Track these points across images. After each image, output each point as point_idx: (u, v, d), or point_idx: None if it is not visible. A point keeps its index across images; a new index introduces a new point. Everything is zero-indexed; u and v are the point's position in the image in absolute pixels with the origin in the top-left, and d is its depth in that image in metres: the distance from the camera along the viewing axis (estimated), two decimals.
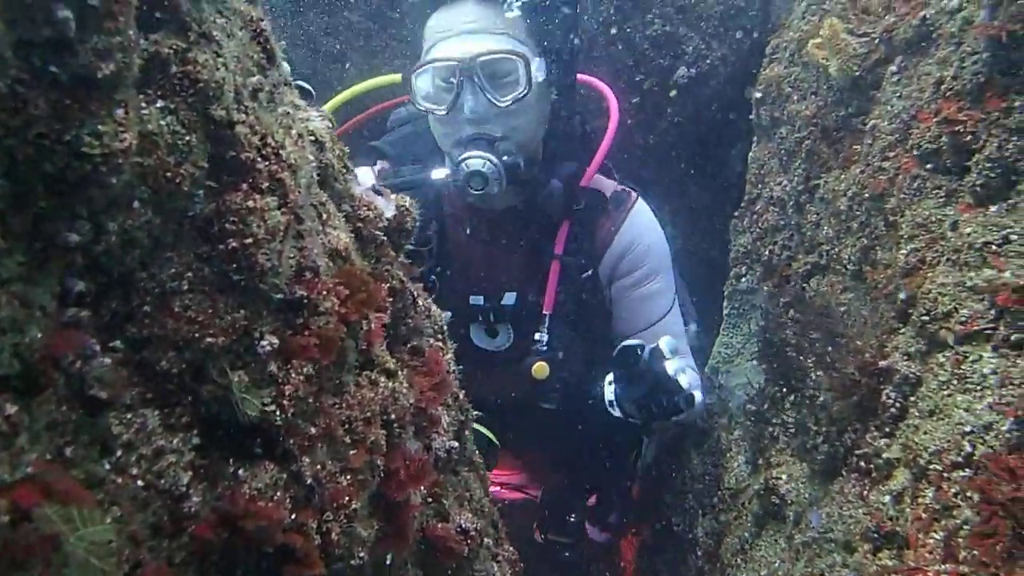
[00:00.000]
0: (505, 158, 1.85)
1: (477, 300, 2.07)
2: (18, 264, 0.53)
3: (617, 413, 1.86)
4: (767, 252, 2.17)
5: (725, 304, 2.46)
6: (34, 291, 0.55)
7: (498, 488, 2.21)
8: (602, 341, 2.14)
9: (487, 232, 2.06)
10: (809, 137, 1.98)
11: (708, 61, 2.90)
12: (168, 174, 0.63)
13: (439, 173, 1.98)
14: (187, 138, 0.65)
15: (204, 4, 0.69)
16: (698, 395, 1.76)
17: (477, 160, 1.83)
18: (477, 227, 2.06)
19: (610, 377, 1.89)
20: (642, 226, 2.13)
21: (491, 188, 1.85)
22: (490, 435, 1.94)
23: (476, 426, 1.91)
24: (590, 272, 2.08)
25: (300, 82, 1.80)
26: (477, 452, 1.41)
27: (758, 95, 2.32)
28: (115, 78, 0.56)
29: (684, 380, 1.73)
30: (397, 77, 2.13)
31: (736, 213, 2.44)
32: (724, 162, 3.02)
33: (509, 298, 2.07)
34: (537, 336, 2.01)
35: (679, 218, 3.34)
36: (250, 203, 0.71)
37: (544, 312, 2.02)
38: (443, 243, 2.06)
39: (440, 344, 1.29)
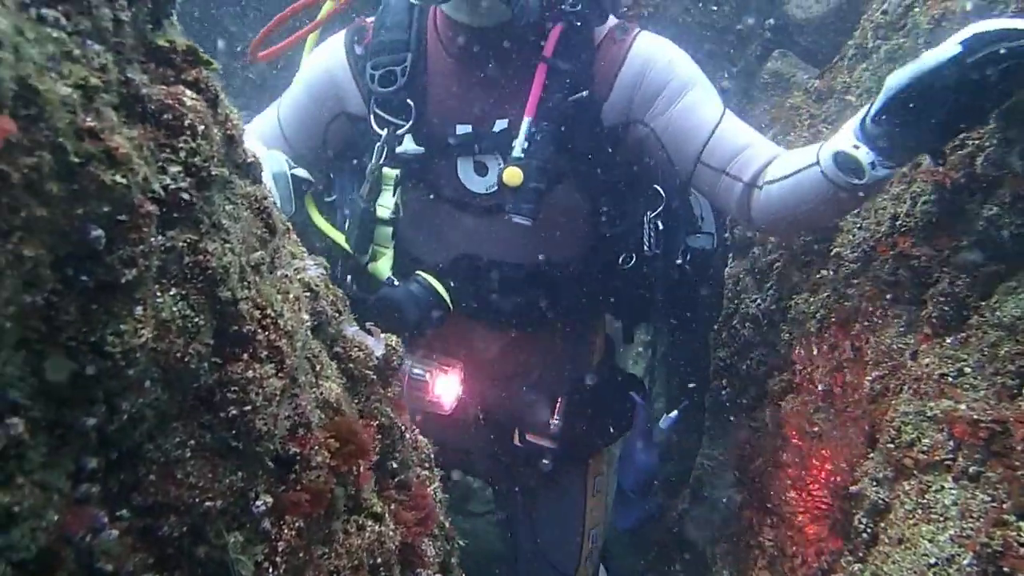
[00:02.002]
0: None
1: (464, 129, 1.87)
2: (41, 455, 0.59)
3: None
4: (744, 367, 2.24)
5: (706, 416, 2.51)
6: (52, 475, 0.60)
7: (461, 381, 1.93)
8: (595, 191, 1.91)
9: (476, 52, 1.84)
10: (780, 260, 2.08)
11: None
12: (178, 354, 0.70)
13: None
14: (196, 320, 0.72)
15: (215, 196, 0.77)
16: None
17: None
18: (465, 47, 1.85)
19: None
20: (656, 43, 1.88)
21: None
22: (441, 290, 1.87)
23: (427, 277, 1.84)
24: (585, 93, 1.82)
25: (296, 171, 1.88)
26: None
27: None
28: (137, 281, 0.63)
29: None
30: None
31: (715, 327, 2.52)
32: None
33: (500, 124, 1.86)
34: (515, 143, 1.78)
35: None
36: (250, 373, 0.77)
37: (524, 116, 1.79)
38: (422, 71, 1.88)
39: (427, 473, 1.34)
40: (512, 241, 1.91)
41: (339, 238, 1.94)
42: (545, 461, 2.11)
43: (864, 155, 1.44)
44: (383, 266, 1.90)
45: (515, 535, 2.40)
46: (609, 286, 2.03)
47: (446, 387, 1.89)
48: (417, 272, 1.91)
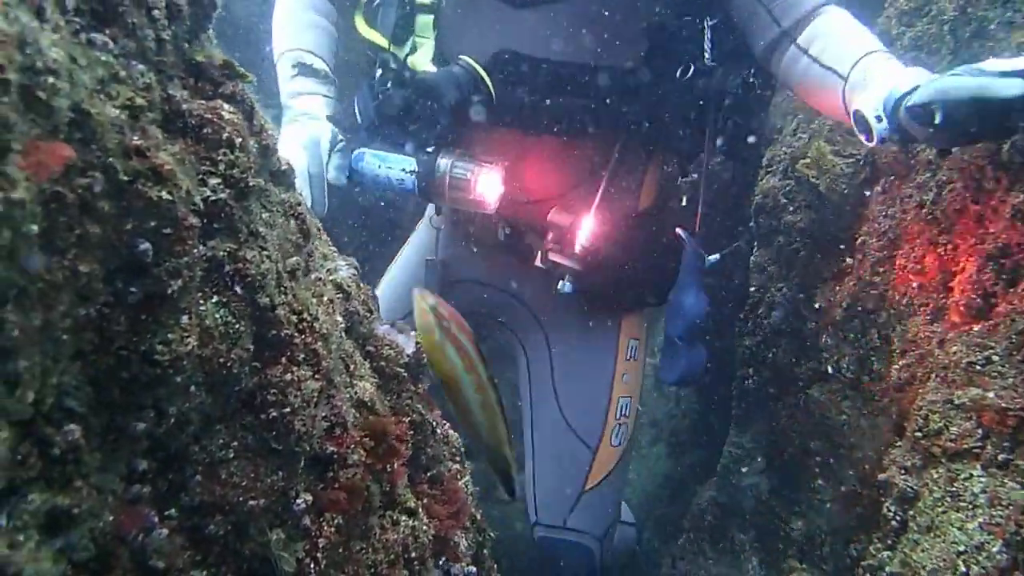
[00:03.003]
0: None
1: None
2: (96, 459, 0.62)
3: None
4: (771, 356, 2.24)
5: (733, 404, 2.51)
6: (107, 478, 0.63)
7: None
8: None
9: None
10: (804, 249, 2.08)
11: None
12: (221, 359, 0.73)
13: None
14: (237, 326, 0.75)
15: (253, 205, 0.80)
16: None
17: None
18: None
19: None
20: None
21: None
22: (483, 74, 1.73)
23: (469, 60, 1.70)
24: None
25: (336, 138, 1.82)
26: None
27: (756, 203, 2.44)
28: (182, 291, 0.66)
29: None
30: None
31: (740, 315, 2.52)
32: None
33: None
34: None
35: None
36: (288, 376, 0.80)
37: None
38: None
39: (458, 467, 1.37)
40: (558, 36, 1.76)
41: (382, 40, 1.87)
42: (564, 283, 1.93)
43: (881, 128, 1.42)
44: (422, 57, 1.81)
45: (534, 401, 2.19)
46: (662, 102, 1.85)
47: (488, 184, 1.77)
48: (460, 56, 1.78)
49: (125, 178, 0.59)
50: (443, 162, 1.75)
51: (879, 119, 1.42)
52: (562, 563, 2.07)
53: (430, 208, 2.26)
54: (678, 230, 1.94)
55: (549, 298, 2.02)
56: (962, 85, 1.26)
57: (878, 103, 1.42)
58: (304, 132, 1.81)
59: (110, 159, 0.57)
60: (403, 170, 1.77)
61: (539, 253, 1.97)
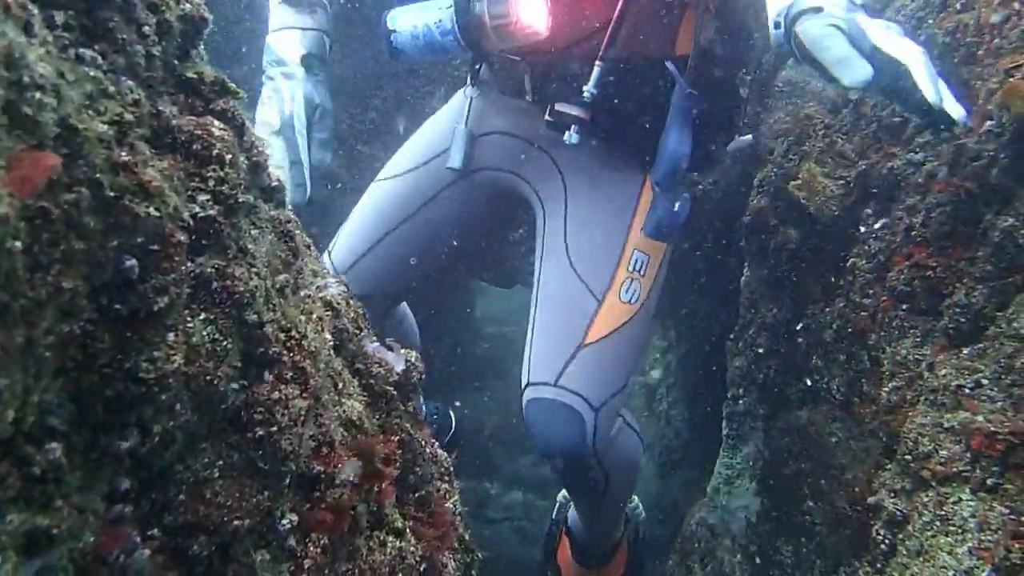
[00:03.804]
0: None
1: None
2: (77, 478, 0.61)
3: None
4: (761, 376, 2.25)
5: (724, 424, 2.51)
6: (88, 498, 0.62)
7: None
8: None
9: None
10: (794, 270, 2.08)
11: (700, 187, 3.06)
12: (208, 377, 0.72)
13: None
14: (224, 343, 0.74)
15: (242, 221, 0.79)
16: None
17: None
18: None
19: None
20: None
21: None
22: None
23: None
24: None
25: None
26: None
27: (747, 223, 2.45)
28: (169, 308, 0.65)
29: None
30: None
31: (731, 335, 2.53)
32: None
33: None
34: None
35: (681, 326, 3.49)
36: (275, 394, 0.79)
37: None
38: None
39: (447, 486, 1.36)
40: None
41: None
42: (571, 133, 1.82)
43: (777, 34, 1.47)
44: None
45: (544, 255, 2.01)
46: None
47: (530, 8, 1.67)
48: None
49: (112, 194, 0.58)
50: None
51: (776, 25, 1.46)
52: (545, 430, 1.79)
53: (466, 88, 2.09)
54: (667, 63, 1.78)
55: (571, 149, 1.88)
56: (828, 47, 1.35)
57: (782, 10, 1.46)
58: (275, 113, 1.76)
59: (97, 174, 0.56)
60: (438, 9, 1.68)
61: (552, 104, 1.85)
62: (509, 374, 3.79)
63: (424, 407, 1.52)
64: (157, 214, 0.62)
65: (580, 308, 1.86)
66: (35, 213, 0.52)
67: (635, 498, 2.47)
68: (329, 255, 2.11)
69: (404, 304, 2.37)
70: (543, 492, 3.83)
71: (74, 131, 0.54)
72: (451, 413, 2.59)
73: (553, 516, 2.55)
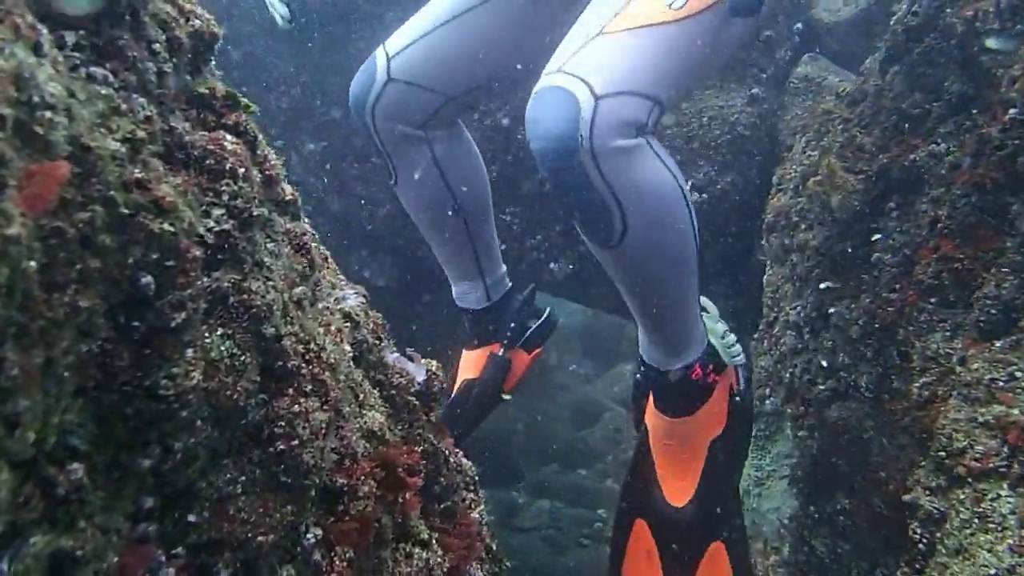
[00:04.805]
0: None
1: None
2: (100, 498, 0.60)
3: None
4: (788, 375, 2.21)
5: (752, 425, 2.48)
6: (112, 517, 0.62)
7: None
8: None
9: None
10: (818, 267, 2.05)
11: (719, 187, 3.03)
12: (227, 393, 0.72)
13: None
14: (243, 358, 0.74)
15: (257, 235, 0.79)
16: None
17: None
18: None
19: None
20: None
21: None
22: None
23: None
24: None
25: None
26: None
27: (768, 221, 2.42)
28: (186, 324, 0.65)
29: None
30: None
31: (755, 335, 2.50)
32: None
33: None
34: None
35: None
36: (295, 407, 0.79)
37: None
38: None
39: (472, 496, 1.35)
40: None
41: None
42: None
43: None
44: None
45: None
46: None
47: None
48: None
49: (126, 211, 0.58)
50: None
51: None
52: (532, 119, 1.51)
53: None
54: None
55: None
56: None
57: None
58: None
59: (111, 192, 0.56)
60: None
61: None
62: (532, 382, 3.77)
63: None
64: (172, 230, 0.62)
65: (611, 4, 1.62)
66: (50, 233, 0.52)
67: (721, 327, 1.82)
68: (384, 46, 1.96)
69: (470, 137, 2.12)
70: (571, 500, 3.80)
71: (87, 149, 0.54)
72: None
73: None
